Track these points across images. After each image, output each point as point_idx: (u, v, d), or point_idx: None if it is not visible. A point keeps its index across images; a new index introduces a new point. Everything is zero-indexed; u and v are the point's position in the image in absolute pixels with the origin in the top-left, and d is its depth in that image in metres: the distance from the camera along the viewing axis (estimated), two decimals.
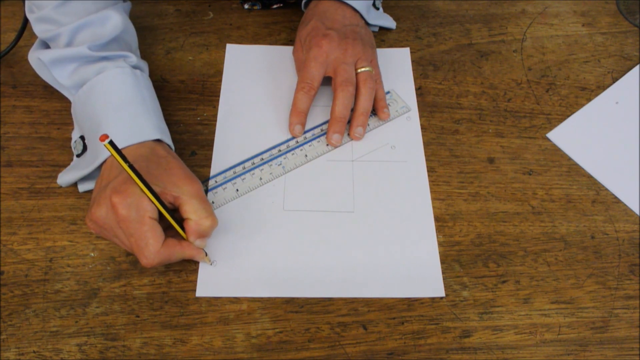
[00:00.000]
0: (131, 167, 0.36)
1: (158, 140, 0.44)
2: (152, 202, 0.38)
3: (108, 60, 0.46)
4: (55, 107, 0.52)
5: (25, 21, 0.55)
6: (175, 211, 0.41)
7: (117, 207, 0.37)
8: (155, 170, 0.40)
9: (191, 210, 0.40)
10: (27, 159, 0.49)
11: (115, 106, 0.44)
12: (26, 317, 0.41)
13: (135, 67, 0.48)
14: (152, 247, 0.39)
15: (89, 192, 0.47)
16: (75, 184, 0.47)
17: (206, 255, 0.42)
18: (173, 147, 0.47)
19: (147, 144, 0.43)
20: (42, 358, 0.39)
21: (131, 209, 0.38)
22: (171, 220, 0.40)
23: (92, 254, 0.44)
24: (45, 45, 0.49)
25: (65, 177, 0.46)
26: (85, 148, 0.46)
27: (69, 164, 0.48)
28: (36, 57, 0.47)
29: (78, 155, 0.47)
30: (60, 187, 0.47)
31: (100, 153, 0.43)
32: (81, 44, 0.46)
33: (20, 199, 0.46)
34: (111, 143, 0.34)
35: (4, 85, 0.53)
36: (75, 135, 0.48)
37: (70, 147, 0.48)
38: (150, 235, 0.38)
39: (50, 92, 0.53)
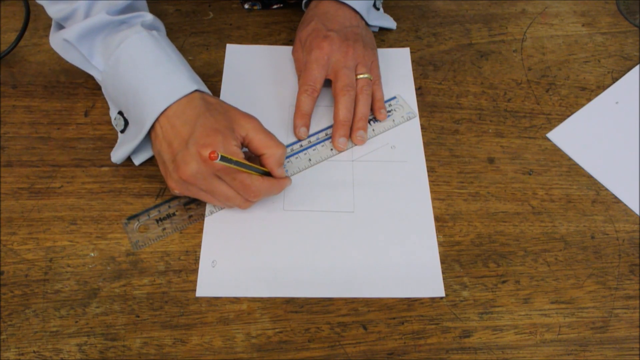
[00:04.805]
0: (231, 161, 0.39)
1: (197, 91, 0.44)
2: (245, 164, 0.41)
3: (126, 24, 0.46)
4: (55, 107, 0.52)
5: (26, 21, 0.55)
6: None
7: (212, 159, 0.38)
8: (217, 115, 0.42)
9: (262, 145, 0.43)
10: (27, 159, 0.49)
11: (145, 70, 0.44)
12: (26, 317, 0.41)
13: (151, 27, 0.48)
14: (256, 180, 0.42)
15: (121, 169, 0.48)
16: (129, 159, 0.48)
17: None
18: (210, 93, 0.47)
19: (193, 96, 0.43)
20: (42, 358, 0.39)
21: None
22: (258, 167, 0.43)
23: (92, 254, 0.44)
24: (62, 28, 0.48)
25: (117, 154, 0.47)
26: (126, 122, 0.46)
27: (69, 164, 0.48)
28: (61, 39, 0.46)
29: (122, 131, 0.47)
30: (116, 164, 0.48)
31: (145, 122, 0.43)
32: (98, 14, 0.45)
33: (20, 199, 0.46)
34: (222, 157, 0.37)
35: (4, 85, 0.53)
36: (113, 113, 0.48)
37: (113, 125, 0.49)
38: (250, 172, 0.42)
39: (50, 92, 0.53)
